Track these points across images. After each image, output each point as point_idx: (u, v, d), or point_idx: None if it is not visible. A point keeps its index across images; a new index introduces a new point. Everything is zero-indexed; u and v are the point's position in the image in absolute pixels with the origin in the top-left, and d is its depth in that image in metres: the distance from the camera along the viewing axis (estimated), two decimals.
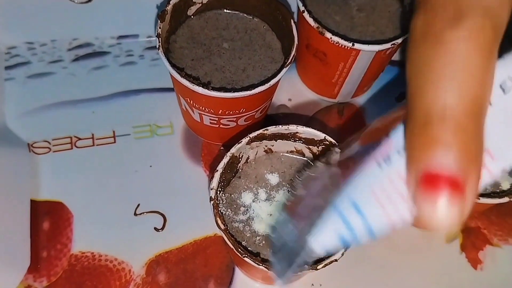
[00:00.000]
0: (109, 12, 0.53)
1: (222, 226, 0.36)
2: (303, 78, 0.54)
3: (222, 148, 0.50)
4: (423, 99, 0.19)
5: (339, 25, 0.48)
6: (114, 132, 0.50)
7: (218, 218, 0.36)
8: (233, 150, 0.39)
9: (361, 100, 0.54)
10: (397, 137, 0.22)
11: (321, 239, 0.24)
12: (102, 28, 0.54)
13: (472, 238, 0.48)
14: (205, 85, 0.41)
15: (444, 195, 0.18)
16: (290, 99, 0.54)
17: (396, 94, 0.55)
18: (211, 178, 0.38)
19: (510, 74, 0.22)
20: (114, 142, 0.50)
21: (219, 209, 0.38)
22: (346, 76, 0.48)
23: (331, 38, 0.44)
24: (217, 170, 0.38)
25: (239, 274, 0.45)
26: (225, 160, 0.38)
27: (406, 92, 0.21)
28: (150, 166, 0.49)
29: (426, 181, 0.19)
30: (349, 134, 0.52)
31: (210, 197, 0.37)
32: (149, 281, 0.44)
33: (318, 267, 0.35)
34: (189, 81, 0.40)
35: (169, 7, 0.43)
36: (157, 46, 0.41)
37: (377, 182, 0.22)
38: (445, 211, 0.18)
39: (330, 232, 0.24)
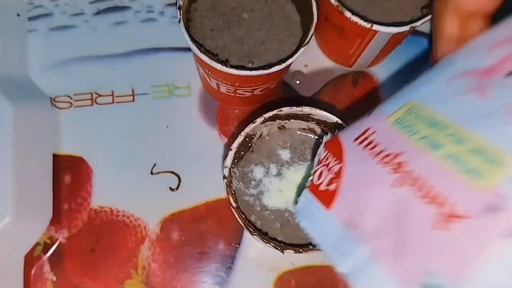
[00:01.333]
0: None
1: (234, 204, 0.38)
2: (320, 45, 0.55)
3: (237, 111, 0.52)
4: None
5: None
6: (133, 90, 0.52)
7: (230, 196, 0.38)
8: (247, 129, 0.40)
9: (376, 70, 0.55)
10: None
11: None
12: None
13: None
14: (224, 63, 0.42)
15: None
16: (306, 65, 0.55)
17: (411, 65, 0.55)
18: (225, 156, 0.40)
19: None
20: (133, 100, 0.51)
21: (232, 185, 0.40)
22: (363, 50, 0.49)
23: (350, 17, 0.44)
24: (231, 149, 0.40)
25: (247, 235, 0.48)
26: (239, 139, 0.40)
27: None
28: (167, 126, 0.51)
29: None
30: (361, 104, 0.53)
31: (224, 176, 0.39)
32: (163, 238, 0.47)
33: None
34: (209, 57, 0.41)
35: None
36: (178, 19, 0.42)
37: None
38: None
39: None
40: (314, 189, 0.33)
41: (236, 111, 0.52)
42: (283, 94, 0.53)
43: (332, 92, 0.54)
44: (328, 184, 0.31)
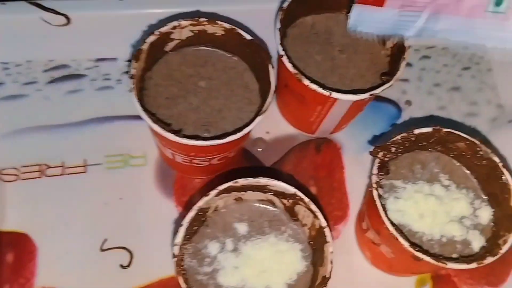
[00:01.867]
0: (87, 34, 0.51)
1: (183, 286, 0.35)
2: (282, 112, 0.53)
3: (197, 181, 0.50)
4: None
5: (319, 65, 0.47)
6: (85, 160, 0.49)
7: (180, 277, 0.35)
8: (200, 203, 0.38)
9: (339, 136, 0.53)
10: None
11: None
12: (79, 50, 0.53)
13: (442, 285, 0.48)
14: (176, 132, 0.40)
15: None
16: (268, 132, 0.53)
17: (374, 130, 0.54)
18: (175, 232, 0.37)
19: None
20: (85, 171, 0.49)
21: (183, 263, 0.37)
22: (324, 117, 0.48)
23: (308, 85, 0.43)
24: (182, 225, 0.37)
25: None
26: (191, 214, 0.38)
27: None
28: (120, 198, 0.48)
29: None
30: (325, 171, 0.52)
31: (173, 254, 0.36)
32: None
33: None
34: (161, 126, 0.40)
35: (144, 46, 0.42)
36: (130, 88, 0.40)
37: None
38: None
39: None
40: (363, 2, 0.43)
41: (197, 181, 0.50)
42: (244, 162, 0.51)
43: (295, 159, 0.52)
44: None
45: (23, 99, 0.51)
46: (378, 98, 0.55)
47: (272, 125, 0.53)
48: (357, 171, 0.52)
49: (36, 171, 0.48)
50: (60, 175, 0.48)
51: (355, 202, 0.50)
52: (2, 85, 0.51)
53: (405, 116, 0.55)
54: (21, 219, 0.46)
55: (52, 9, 0.48)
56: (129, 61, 0.53)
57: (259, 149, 0.52)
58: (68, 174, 0.48)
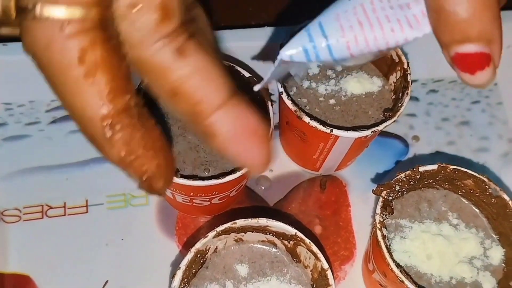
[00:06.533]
0: None
1: None
2: (285, 148, 0.52)
3: (201, 219, 0.49)
4: None
5: (321, 101, 0.46)
6: (87, 201, 0.49)
7: None
8: (198, 245, 0.37)
9: (345, 173, 0.52)
10: None
11: (289, 50, 0.29)
12: None
13: None
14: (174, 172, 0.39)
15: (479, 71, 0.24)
16: (271, 170, 0.52)
17: (381, 167, 0.53)
18: (172, 276, 0.36)
19: None
20: (86, 212, 0.48)
21: None
22: (328, 154, 0.47)
23: (309, 122, 0.42)
24: (179, 268, 0.36)
25: None
26: (189, 256, 0.37)
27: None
28: (122, 239, 0.47)
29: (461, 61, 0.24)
30: (330, 209, 0.50)
31: None
32: None
33: None
34: None
35: (143, 85, 0.42)
36: None
37: (342, 9, 0.27)
38: (483, 78, 0.25)
39: (297, 44, 0.28)
40: None
41: (201, 219, 0.49)
42: (247, 201, 0.50)
43: (299, 197, 0.51)
44: None
45: (25, 140, 0.51)
46: (385, 134, 0.54)
47: (275, 163, 0.52)
48: (363, 209, 0.50)
49: (38, 211, 0.48)
50: (62, 215, 0.48)
51: (362, 241, 0.49)
52: (5, 126, 0.51)
53: (412, 152, 0.53)
54: (23, 261, 0.46)
55: None
56: None
57: (262, 187, 0.51)
58: (70, 214, 0.48)
